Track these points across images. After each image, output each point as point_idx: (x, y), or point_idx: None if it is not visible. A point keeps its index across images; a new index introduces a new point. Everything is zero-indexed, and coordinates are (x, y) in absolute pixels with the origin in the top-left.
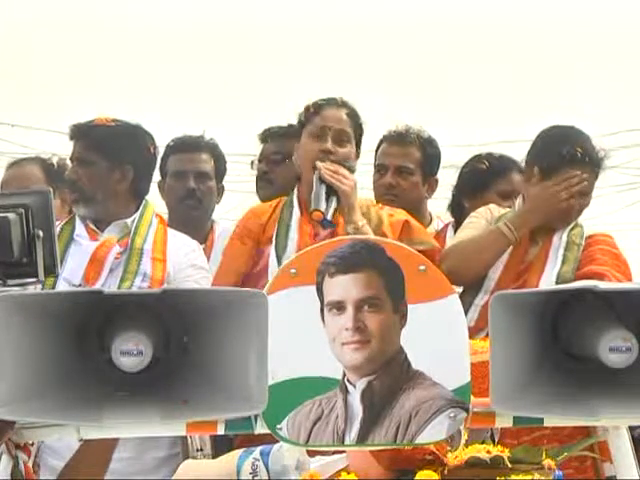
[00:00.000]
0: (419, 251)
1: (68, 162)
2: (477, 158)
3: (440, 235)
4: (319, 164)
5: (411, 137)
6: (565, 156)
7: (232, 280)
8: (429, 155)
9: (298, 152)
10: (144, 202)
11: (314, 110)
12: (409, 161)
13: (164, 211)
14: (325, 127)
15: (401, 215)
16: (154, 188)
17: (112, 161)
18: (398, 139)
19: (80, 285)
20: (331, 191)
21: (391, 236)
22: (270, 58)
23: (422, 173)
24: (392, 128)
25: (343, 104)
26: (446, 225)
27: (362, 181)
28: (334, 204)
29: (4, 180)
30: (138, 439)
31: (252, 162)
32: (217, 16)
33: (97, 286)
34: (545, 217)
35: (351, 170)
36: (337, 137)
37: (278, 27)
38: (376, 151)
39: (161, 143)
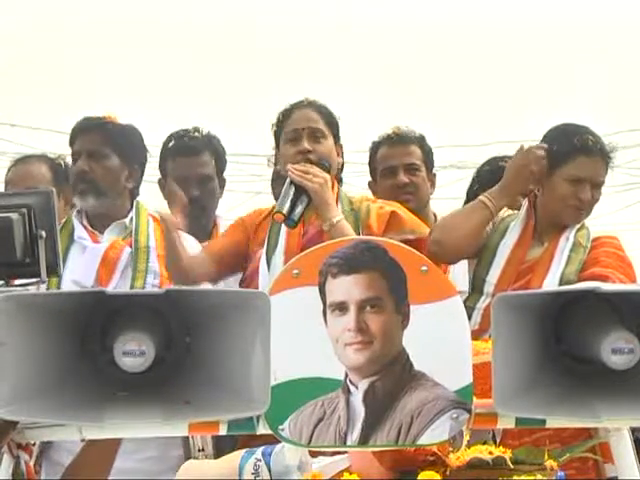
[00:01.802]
0: (411, 241)
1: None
2: (496, 159)
3: None
4: (289, 166)
5: (410, 136)
6: (576, 144)
7: (220, 251)
8: (427, 151)
9: (280, 159)
10: (136, 202)
11: (284, 116)
12: (415, 158)
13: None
14: (298, 129)
15: (390, 207)
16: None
17: (123, 158)
18: (399, 140)
19: (93, 287)
20: (301, 191)
21: (376, 228)
22: (271, 58)
23: (425, 169)
24: (387, 132)
25: (310, 103)
26: None
27: (361, 182)
28: (303, 203)
29: (10, 177)
30: (162, 438)
31: (268, 160)
32: (216, 16)
33: (110, 287)
34: (522, 187)
35: (327, 168)
36: (312, 135)
37: (278, 27)
38: (371, 157)
39: (159, 143)
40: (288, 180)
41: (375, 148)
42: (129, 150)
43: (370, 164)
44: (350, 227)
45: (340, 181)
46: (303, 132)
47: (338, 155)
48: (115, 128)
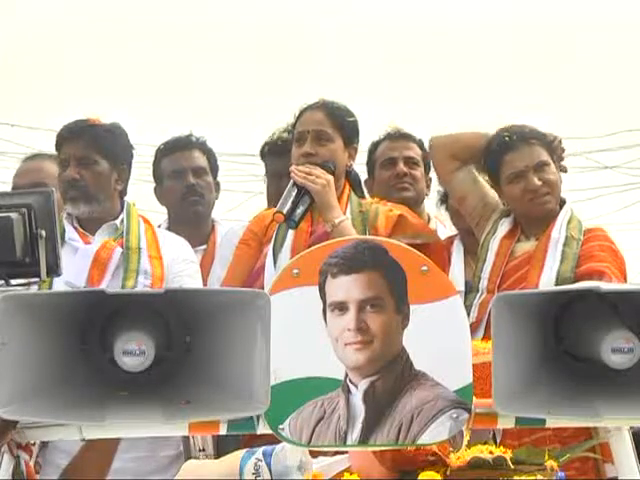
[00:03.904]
0: (418, 245)
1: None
2: None
3: (448, 241)
4: (292, 167)
5: (410, 135)
6: (496, 148)
7: (238, 284)
8: (425, 153)
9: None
10: (126, 203)
11: (296, 117)
12: (414, 153)
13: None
14: (303, 131)
15: (398, 210)
16: (137, 190)
17: (111, 161)
18: (400, 136)
19: (86, 287)
20: (304, 192)
21: (383, 230)
22: (272, 58)
23: (423, 168)
24: (386, 129)
25: (322, 105)
26: (454, 235)
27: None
28: (305, 204)
29: (17, 172)
30: (150, 438)
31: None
32: (215, 15)
33: (102, 287)
34: None
35: (331, 170)
36: (316, 138)
37: (279, 27)
38: (370, 154)
39: (158, 142)
40: (291, 181)
41: (375, 145)
42: (116, 152)
43: (368, 162)
44: (352, 228)
45: (358, 183)
46: (308, 135)
47: (350, 157)
48: (101, 131)
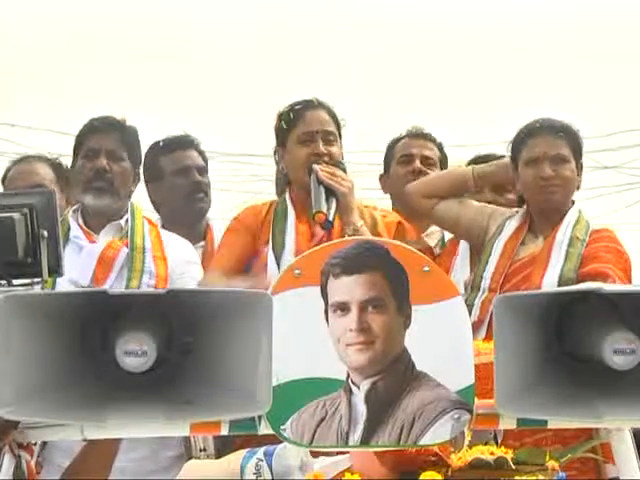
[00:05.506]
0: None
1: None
2: (479, 159)
3: (453, 241)
4: (316, 167)
5: (431, 135)
6: (523, 131)
7: (233, 264)
8: (444, 156)
9: (287, 158)
10: (130, 204)
11: (294, 116)
12: (432, 154)
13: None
14: (312, 131)
15: (394, 217)
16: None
17: (133, 162)
18: (421, 135)
19: (89, 286)
20: (330, 193)
21: (386, 236)
22: (271, 58)
23: (439, 170)
24: (408, 128)
25: (321, 104)
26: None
27: (365, 182)
28: (334, 205)
29: (11, 175)
30: (152, 438)
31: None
32: (215, 15)
33: (106, 286)
34: (506, 175)
35: (345, 170)
36: (326, 138)
37: (278, 28)
38: (388, 150)
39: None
40: (314, 180)
41: (394, 142)
42: (137, 155)
43: (386, 158)
44: (369, 233)
45: None
46: (317, 135)
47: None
48: (129, 131)
